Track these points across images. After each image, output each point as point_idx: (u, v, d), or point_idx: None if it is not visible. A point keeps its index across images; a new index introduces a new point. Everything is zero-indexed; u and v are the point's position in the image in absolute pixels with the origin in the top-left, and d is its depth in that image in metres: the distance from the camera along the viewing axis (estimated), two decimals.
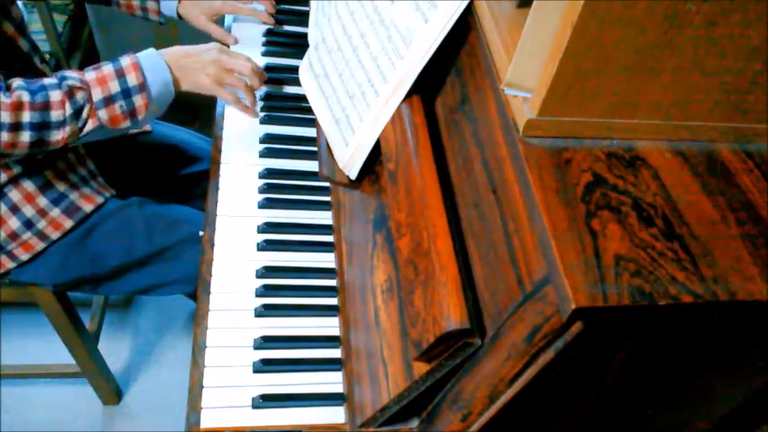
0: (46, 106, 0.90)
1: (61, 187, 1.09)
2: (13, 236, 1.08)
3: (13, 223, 1.07)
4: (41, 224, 1.09)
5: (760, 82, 0.64)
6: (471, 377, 0.70)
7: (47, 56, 1.73)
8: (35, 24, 1.74)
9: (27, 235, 1.09)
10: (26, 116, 0.88)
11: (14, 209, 1.06)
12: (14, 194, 1.06)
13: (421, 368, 0.73)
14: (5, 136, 0.87)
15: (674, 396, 0.80)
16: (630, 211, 0.61)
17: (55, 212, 1.09)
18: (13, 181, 1.05)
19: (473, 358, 0.70)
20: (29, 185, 1.06)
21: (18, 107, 0.87)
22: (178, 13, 1.22)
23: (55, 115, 0.90)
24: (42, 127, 0.90)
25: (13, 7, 1.01)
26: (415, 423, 0.80)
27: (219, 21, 1.24)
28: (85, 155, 1.15)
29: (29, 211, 1.07)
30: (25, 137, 0.89)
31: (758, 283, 0.58)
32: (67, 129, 0.92)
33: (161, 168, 1.32)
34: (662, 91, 0.63)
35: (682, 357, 0.71)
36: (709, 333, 0.67)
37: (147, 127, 1.29)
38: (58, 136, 0.92)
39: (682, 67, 0.60)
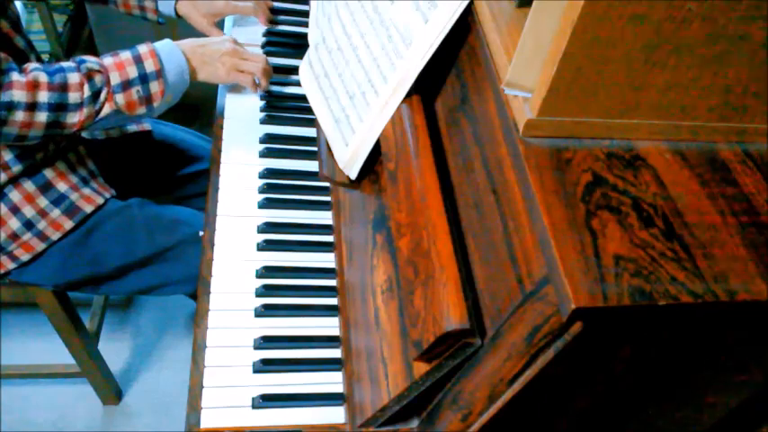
0: (64, 87, 0.91)
1: (61, 188, 1.09)
2: (14, 236, 1.08)
3: (14, 224, 1.07)
4: (42, 225, 1.09)
5: (760, 82, 0.64)
6: (471, 377, 0.70)
7: (46, 56, 1.73)
8: (35, 24, 1.75)
9: (27, 236, 1.09)
10: (43, 96, 0.89)
11: (15, 209, 1.06)
12: (15, 195, 1.06)
13: (421, 368, 0.73)
14: (21, 115, 0.88)
15: (675, 396, 0.80)
16: (630, 211, 0.61)
17: (55, 213, 1.09)
18: (14, 181, 1.05)
19: (473, 358, 0.70)
20: (29, 186, 1.07)
21: (35, 87, 0.88)
22: (177, 13, 1.22)
23: (73, 97, 0.91)
24: (60, 108, 0.91)
25: (10, 5, 1.01)
26: (415, 423, 0.80)
27: (220, 22, 1.24)
28: (86, 155, 1.15)
29: (29, 211, 1.07)
30: (42, 117, 0.90)
31: (758, 283, 0.58)
32: (84, 111, 0.93)
33: (161, 168, 1.32)
34: (662, 91, 0.63)
35: (682, 357, 0.71)
36: (709, 333, 0.67)
37: (147, 126, 1.29)
38: (74, 118, 0.93)
39: (681, 66, 0.60)
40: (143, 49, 0.98)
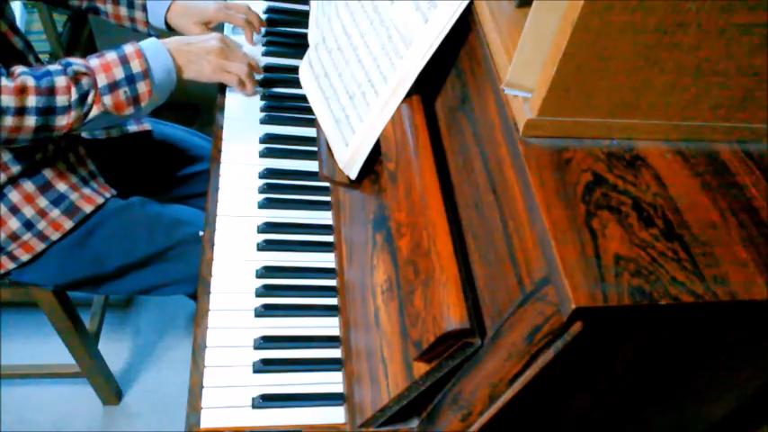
0: (51, 91, 0.91)
1: (61, 188, 1.09)
2: (14, 237, 1.08)
3: (13, 224, 1.07)
4: (41, 225, 1.09)
5: (760, 82, 0.64)
6: (471, 377, 0.70)
7: (46, 56, 1.73)
8: (35, 24, 1.74)
9: (27, 236, 1.09)
10: (31, 101, 0.89)
11: (14, 210, 1.06)
12: (14, 195, 1.06)
13: (421, 368, 0.73)
14: (9, 120, 0.88)
15: (675, 396, 0.80)
16: (630, 211, 0.61)
17: (55, 213, 1.09)
18: (13, 181, 1.05)
19: (473, 358, 0.70)
20: (29, 186, 1.07)
21: (22, 91, 0.88)
22: (168, 24, 1.20)
23: (60, 100, 0.92)
24: (47, 112, 0.91)
25: (7, 6, 1.02)
26: (415, 423, 0.80)
27: (219, 27, 1.23)
28: (86, 155, 1.15)
29: (29, 211, 1.07)
30: (30, 121, 0.90)
31: (758, 283, 0.58)
32: (72, 114, 0.93)
33: (161, 168, 1.32)
34: (662, 91, 0.63)
35: (682, 357, 0.71)
36: (709, 333, 0.67)
37: (148, 126, 1.29)
38: (62, 121, 0.93)
39: (682, 66, 0.60)
40: (129, 49, 0.98)
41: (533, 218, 0.61)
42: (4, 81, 0.88)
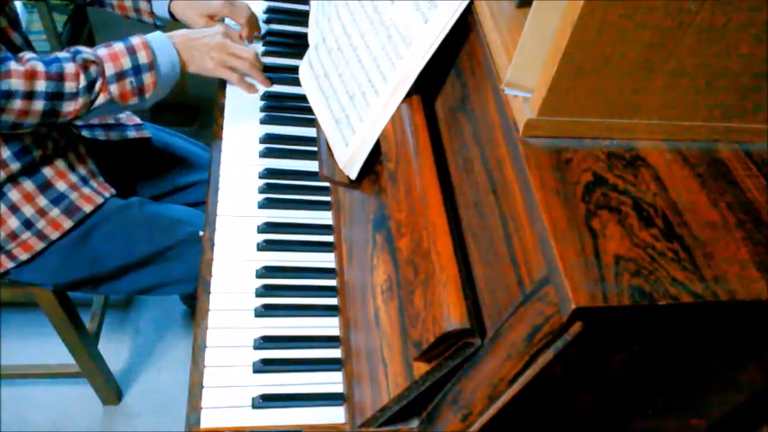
0: (60, 77, 0.93)
1: (61, 187, 1.09)
2: (13, 236, 1.08)
3: (13, 223, 1.07)
4: (41, 224, 1.09)
5: (760, 82, 0.64)
6: (471, 377, 0.70)
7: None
8: (35, 24, 1.75)
9: (26, 235, 1.08)
10: (41, 85, 0.91)
11: (14, 208, 1.06)
12: (14, 194, 1.06)
13: (421, 368, 0.73)
14: (19, 104, 0.90)
15: (675, 396, 0.80)
16: (630, 211, 0.61)
17: (54, 212, 1.09)
18: (13, 180, 1.05)
19: (473, 358, 0.70)
20: (28, 185, 1.07)
21: (32, 76, 0.90)
22: (171, 14, 1.20)
23: (69, 86, 0.94)
24: (56, 97, 0.93)
25: (9, 3, 1.02)
26: (415, 423, 0.80)
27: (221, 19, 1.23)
28: (86, 154, 1.15)
29: (28, 210, 1.07)
30: (39, 105, 0.92)
31: (758, 282, 0.58)
32: (80, 101, 0.95)
33: (160, 175, 1.32)
34: (662, 91, 0.63)
35: (682, 357, 0.71)
36: (709, 333, 0.67)
37: (147, 133, 1.29)
38: (69, 107, 0.95)
39: (682, 66, 0.60)
40: (135, 40, 1.00)
41: (533, 218, 0.61)
42: (14, 65, 0.90)
